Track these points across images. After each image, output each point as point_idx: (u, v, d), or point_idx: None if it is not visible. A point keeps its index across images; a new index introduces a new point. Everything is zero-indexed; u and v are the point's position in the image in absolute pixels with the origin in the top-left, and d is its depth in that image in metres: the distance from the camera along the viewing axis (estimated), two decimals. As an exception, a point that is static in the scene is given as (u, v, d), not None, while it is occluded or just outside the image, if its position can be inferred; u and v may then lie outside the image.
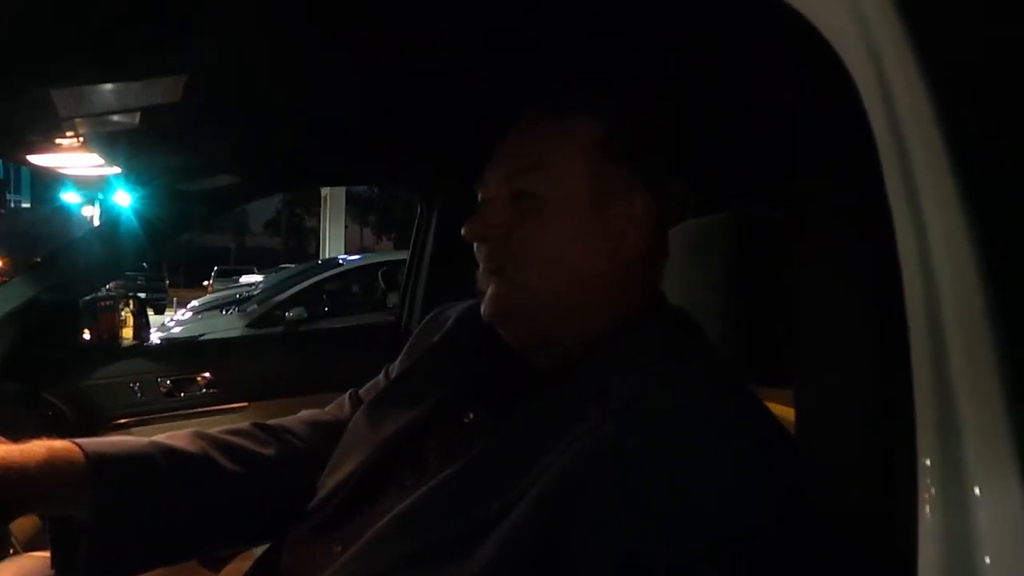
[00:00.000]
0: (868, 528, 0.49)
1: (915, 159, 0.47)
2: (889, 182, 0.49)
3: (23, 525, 1.11)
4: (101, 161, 1.21)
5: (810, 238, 0.57)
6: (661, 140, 0.71)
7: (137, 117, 0.93)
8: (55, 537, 0.67)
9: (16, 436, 0.65)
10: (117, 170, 1.33)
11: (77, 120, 0.90)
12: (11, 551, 1.10)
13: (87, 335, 1.85)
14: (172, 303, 16.65)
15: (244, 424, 0.81)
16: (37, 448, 0.63)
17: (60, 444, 0.65)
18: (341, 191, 16.20)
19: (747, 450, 0.55)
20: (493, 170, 0.70)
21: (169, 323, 7.84)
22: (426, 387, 0.73)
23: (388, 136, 1.52)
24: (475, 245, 0.70)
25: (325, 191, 16.54)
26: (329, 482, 0.71)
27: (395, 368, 0.86)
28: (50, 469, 0.62)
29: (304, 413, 0.86)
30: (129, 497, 0.66)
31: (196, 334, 6.47)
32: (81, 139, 1.01)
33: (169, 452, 0.71)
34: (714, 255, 0.76)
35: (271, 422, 0.83)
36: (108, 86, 0.77)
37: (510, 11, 0.88)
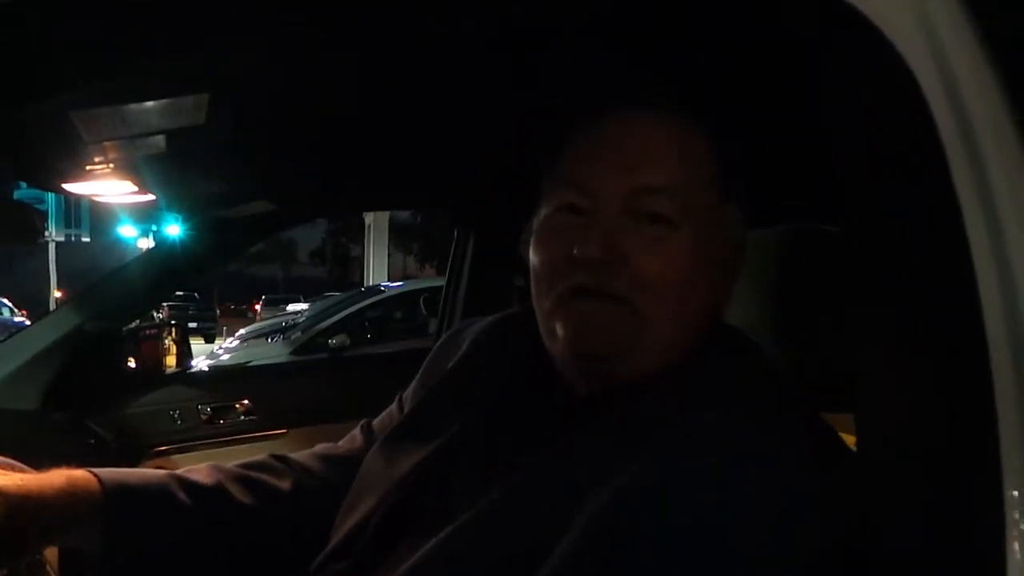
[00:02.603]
0: (946, 569, 0.44)
1: (989, 163, 0.43)
2: (960, 190, 0.44)
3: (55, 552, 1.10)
4: (135, 188, 1.22)
5: (873, 254, 0.52)
6: (747, 158, 0.66)
7: (163, 141, 0.93)
8: (64, 570, 0.65)
9: (59, 464, 0.64)
10: (151, 197, 1.34)
11: (105, 145, 0.91)
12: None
13: (131, 363, 1.87)
14: (222, 331, 17.08)
15: (262, 456, 0.78)
16: (55, 477, 0.62)
17: (78, 473, 0.63)
18: (384, 220, 16.53)
19: (801, 504, 0.50)
20: (605, 175, 0.61)
21: (218, 351, 8.02)
22: (444, 419, 0.68)
23: (423, 161, 1.51)
24: (554, 268, 0.61)
25: (369, 220, 16.90)
26: (346, 524, 0.68)
27: (408, 394, 0.82)
28: (67, 498, 0.61)
29: (318, 447, 0.83)
30: (142, 529, 0.64)
31: (243, 361, 6.61)
32: (111, 165, 1.02)
33: (185, 484, 0.69)
34: (769, 273, 0.71)
35: (289, 455, 0.80)
36: (131, 108, 0.78)
37: (551, 32, 0.85)
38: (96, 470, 0.64)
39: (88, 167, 1.01)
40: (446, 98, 1.09)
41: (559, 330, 0.61)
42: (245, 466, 0.76)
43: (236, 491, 0.72)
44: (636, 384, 0.61)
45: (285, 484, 0.75)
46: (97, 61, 0.59)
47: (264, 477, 0.75)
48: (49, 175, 1.10)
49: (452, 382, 0.74)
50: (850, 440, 0.56)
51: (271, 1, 0.65)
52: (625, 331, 0.59)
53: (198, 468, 0.73)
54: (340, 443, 0.84)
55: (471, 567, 0.54)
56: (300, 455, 0.81)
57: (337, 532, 0.68)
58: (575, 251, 0.59)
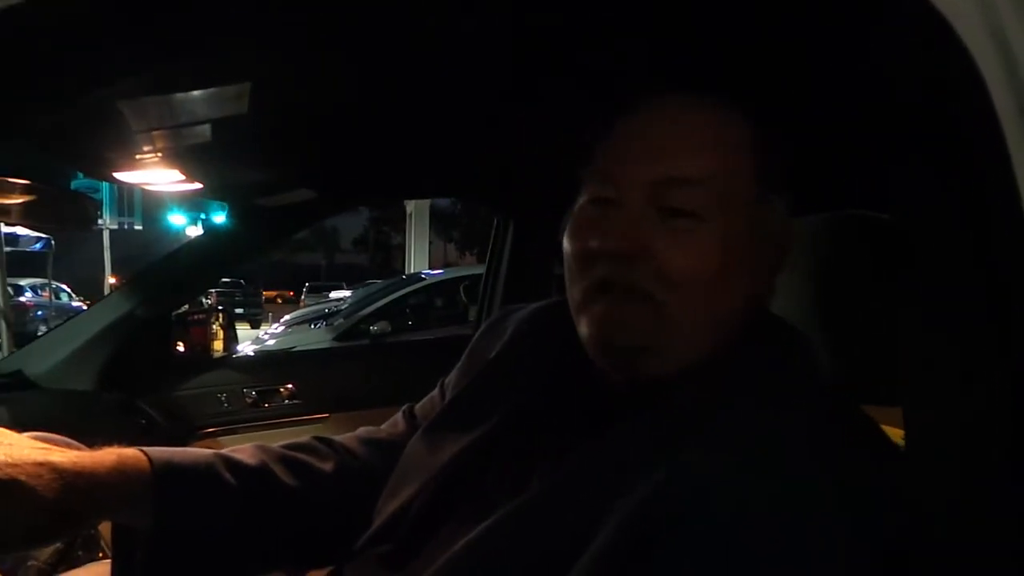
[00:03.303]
0: (994, 564, 0.43)
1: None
2: (1018, 169, 0.42)
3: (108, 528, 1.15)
4: (182, 177, 1.26)
5: (924, 239, 0.50)
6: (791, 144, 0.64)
7: (208, 130, 0.95)
8: (117, 546, 0.67)
9: (112, 443, 0.66)
10: (199, 186, 1.38)
11: (152, 135, 0.93)
12: (100, 555, 1.14)
13: (180, 347, 1.93)
14: (267, 317, 17.46)
15: (306, 438, 0.80)
16: (107, 455, 0.63)
17: (129, 452, 0.65)
18: (425, 209, 16.60)
19: (849, 508, 0.48)
20: (632, 165, 0.59)
21: (264, 336, 8.20)
22: (485, 408, 0.68)
23: (463, 149, 1.51)
24: (581, 259, 0.60)
25: (410, 208, 17.00)
26: (387, 508, 0.69)
27: (451, 381, 0.82)
28: (118, 476, 0.62)
29: (361, 430, 0.84)
30: (189, 506, 0.66)
31: (287, 346, 6.75)
32: (159, 154, 1.05)
33: (231, 464, 0.71)
34: (815, 261, 0.69)
35: (332, 437, 0.81)
36: (176, 97, 0.80)
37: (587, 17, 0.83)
38: (146, 448, 0.66)
39: (137, 156, 1.04)
40: (487, 88, 1.08)
41: (584, 327, 0.61)
42: (289, 447, 0.77)
43: (280, 471, 0.73)
44: (670, 377, 0.60)
45: (328, 465, 0.76)
46: (140, 56, 0.60)
47: (307, 458, 0.76)
48: (102, 164, 1.13)
49: (494, 371, 0.74)
50: (896, 434, 0.54)
51: None
52: (648, 328, 0.58)
53: (243, 448, 0.74)
54: (382, 427, 0.85)
55: (511, 559, 0.54)
56: (343, 438, 0.82)
57: (379, 516, 0.69)
58: (594, 243, 0.58)
